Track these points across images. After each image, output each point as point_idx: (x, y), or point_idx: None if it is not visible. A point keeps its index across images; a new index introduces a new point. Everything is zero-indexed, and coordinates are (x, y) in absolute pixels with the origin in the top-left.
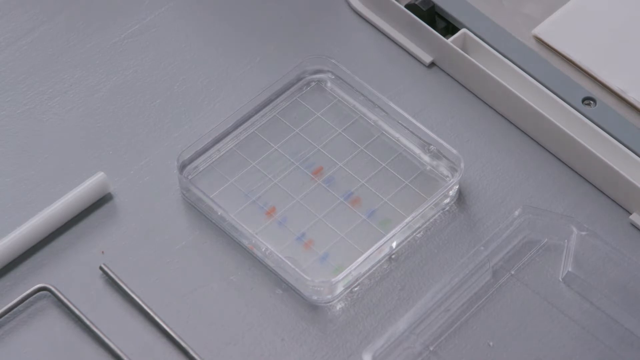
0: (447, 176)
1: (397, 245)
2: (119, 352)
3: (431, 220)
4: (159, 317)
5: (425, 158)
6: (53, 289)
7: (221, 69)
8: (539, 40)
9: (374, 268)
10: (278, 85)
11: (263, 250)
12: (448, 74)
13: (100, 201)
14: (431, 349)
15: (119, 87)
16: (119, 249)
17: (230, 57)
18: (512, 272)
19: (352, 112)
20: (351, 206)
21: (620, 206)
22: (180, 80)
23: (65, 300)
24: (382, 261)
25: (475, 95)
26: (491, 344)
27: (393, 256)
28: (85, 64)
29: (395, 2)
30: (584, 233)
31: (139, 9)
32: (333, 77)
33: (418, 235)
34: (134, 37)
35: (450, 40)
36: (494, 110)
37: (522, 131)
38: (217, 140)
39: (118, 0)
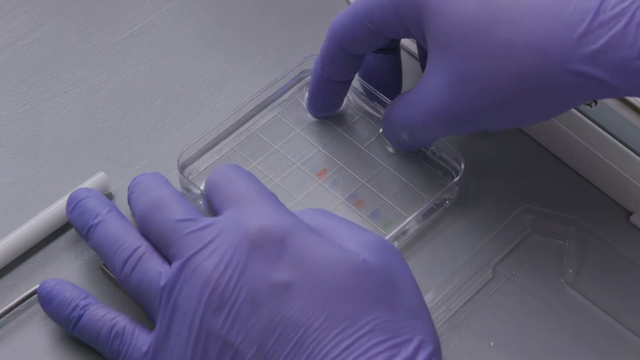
0: (448, 176)
1: (398, 246)
2: None
3: (432, 221)
4: None
5: (426, 158)
6: None
7: (222, 69)
8: None
9: None
10: (279, 85)
11: None
12: None
13: None
14: None
15: (119, 87)
16: None
17: (231, 57)
18: (513, 273)
19: (352, 112)
20: (353, 207)
21: (621, 206)
22: (181, 80)
23: None
24: None
25: None
26: (492, 344)
27: None
28: (86, 63)
29: None
30: (584, 233)
31: (139, 8)
32: None
33: (418, 236)
34: (134, 37)
35: None
36: None
37: (523, 131)
38: (218, 140)
39: (119, 0)
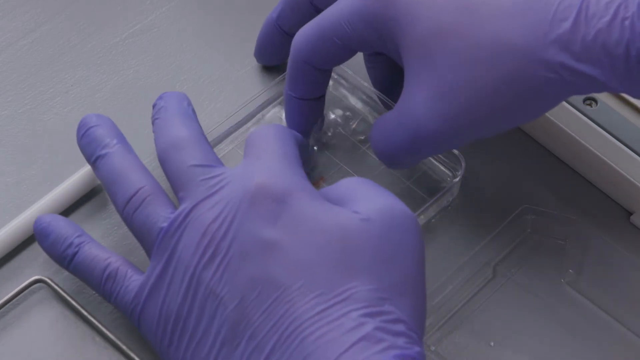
0: (448, 176)
1: None
2: (118, 342)
3: (432, 221)
4: None
5: (426, 158)
6: (49, 280)
7: (222, 69)
8: None
9: None
10: (279, 86)
11: None
12: None
13: (102, 201)
14: (432, 349)
15: (120, 86)
16: (120, 249)
17: (231, 57)
18: (513, 272)
19: (353, 112)
20: None
21: (621, 206)
22: (182, 80)
23: (61, 292)
24: None
25: None
26: (492, 344)
27: None
28: (87, 63)
29: None
30: (584, 233)
31: (140, 8)
32: (335, 76)
33: None
34: (135, 37)
35: None
36: None
37: (523, 131)
38: (218, 141)
39: (119, 0)
